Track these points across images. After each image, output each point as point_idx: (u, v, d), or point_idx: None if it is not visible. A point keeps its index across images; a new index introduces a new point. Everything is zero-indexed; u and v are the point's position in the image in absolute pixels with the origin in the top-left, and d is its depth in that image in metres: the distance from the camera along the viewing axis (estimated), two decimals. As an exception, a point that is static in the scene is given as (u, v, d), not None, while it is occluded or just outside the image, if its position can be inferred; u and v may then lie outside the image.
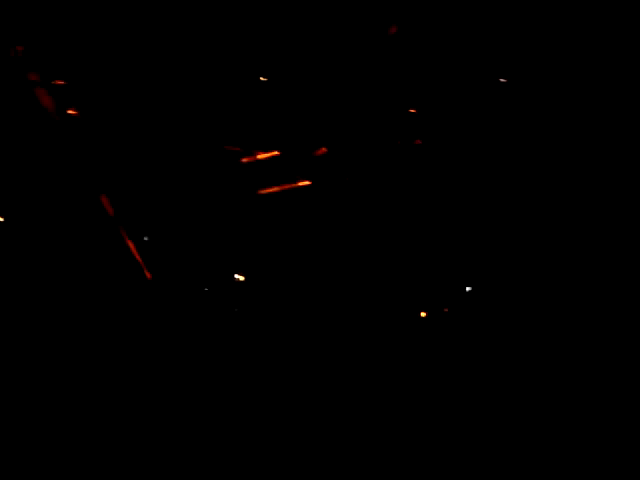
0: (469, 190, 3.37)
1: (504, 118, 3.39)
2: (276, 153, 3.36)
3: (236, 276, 3.26)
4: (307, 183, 3.36)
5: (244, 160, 3.33)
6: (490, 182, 3.37)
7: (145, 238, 3.20)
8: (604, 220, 3.29)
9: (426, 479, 3.06)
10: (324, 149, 3.36)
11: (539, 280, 3.29)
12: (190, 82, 3.33)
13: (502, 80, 3.38)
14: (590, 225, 3.30)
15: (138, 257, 3.16)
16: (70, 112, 3.21)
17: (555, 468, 3.06)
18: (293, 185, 3.34)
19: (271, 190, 3.28)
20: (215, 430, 3.10)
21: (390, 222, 3.35)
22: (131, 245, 3.17)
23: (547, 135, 3.37)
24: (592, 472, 3.03)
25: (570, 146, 3.35)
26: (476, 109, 3.39)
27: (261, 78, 3.37)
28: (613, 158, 3.31)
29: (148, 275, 3.17)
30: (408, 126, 3.40)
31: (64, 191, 3.18)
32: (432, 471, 3.08)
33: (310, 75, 3.38)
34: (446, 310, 3.28)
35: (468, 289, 3.32)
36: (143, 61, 3.27)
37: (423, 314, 3.28)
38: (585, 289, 3.26)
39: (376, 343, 3.25)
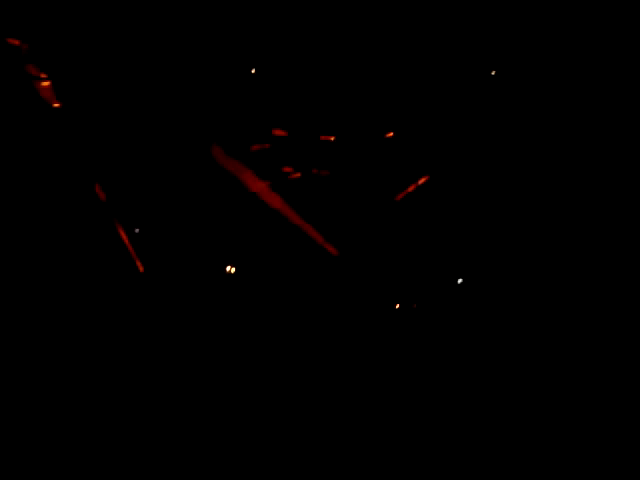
0: (463, 183, 3.37)
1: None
2: (266, 145, 3.36)
3: (228, 268, 3.26)
4: (297, 175, 3.36)
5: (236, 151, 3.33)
6: (484, 176, 3.37)
7: (136, 230, 3.19)
8: (602, 217, 3.30)
9: (425, 478, 3.07)
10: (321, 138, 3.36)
11: (532, 273, 3.30)
12: (183, 74, 3.32)
13: (494, 73, 3.39)
14: (587, 220, 3.31)
15: (131, 249, 3.16)
16: (56, 105, 3.20)
17: (554, 467, 3.06)
18: (286, 177, 3.34)
19: (266, 184, 3.28)
20: (208, 423, 3.10)
21: (382, 215, 3.36)
22: (124, 237, 3.16)
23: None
24: (592, 472, 3.04)
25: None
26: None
27: (252, 71, 3.36)
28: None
29: (140, 268, 3.16)
30: (404, 122, 3.41)
31: (58, 182, 3.17)
32: (430, 470, 3.08)
33: (306, 70, 3.38)
34: (439, 302, 3.29)
35: (460, 281, 3.32)
36: (137, 52, 3.26)
37: (414, 306, 3.29)
38: (580, 283, 3.27)
39: (369, 335, 3.25)
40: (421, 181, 3.35)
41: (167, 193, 3.26)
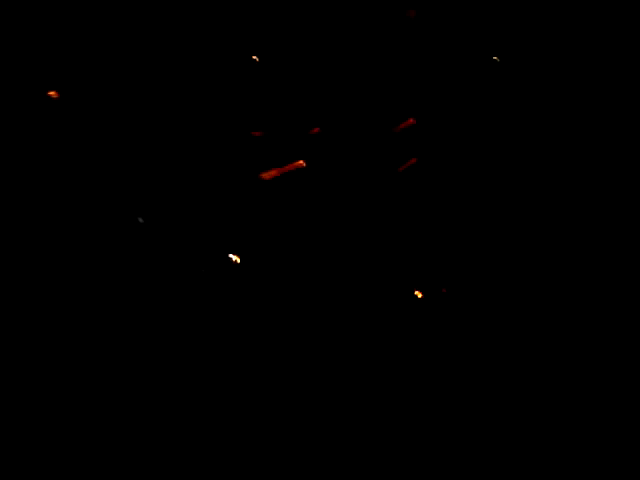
0: (467, 176, 3.38)
1: (504, 112, 3.42)
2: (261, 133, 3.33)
3: (231, 257, 3.23)
4: (301, 164, 3.33)
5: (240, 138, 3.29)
6: (488, 171, 3.39)
7: (140, 220, 3.13)
8: (602, 212, 3.35)
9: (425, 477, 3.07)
10: (317, 129, 3.33)
11: (533, 265, 3.33)
12: (188, 65, 3.28)
13: (497, 62, 3.40)
14: (587, 215, 3.35)
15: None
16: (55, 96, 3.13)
17: (553, 466, 3.09)
18: (289, 167, 3.31)
19: (271, 174, 3.25)
20: (210, 415, 3.06)
21: (386, 204, 3.35)
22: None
23: (547, 133, 3.40)
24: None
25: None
26: (476, 103, 3.41)
27: (254, 57, 3.33)
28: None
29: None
30: (405, 112, 3.40)
31: (64, 174, 3.10)
32: (429, 465, 3.08)
33: (309, 60, 3.36)
34: (444, 291, 3.29)
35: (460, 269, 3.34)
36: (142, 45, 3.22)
37: (419, 294, 3.29)
38: (581, 278, 3.31)
39: (372, 325, 3.25)
40: (411, 162, 3.34)
41: (172, 182, 3.21)
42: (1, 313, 3.00)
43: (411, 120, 3.33)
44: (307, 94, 3.36)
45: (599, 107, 3.37)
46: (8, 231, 3.06)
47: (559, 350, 3.22)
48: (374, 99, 3.39)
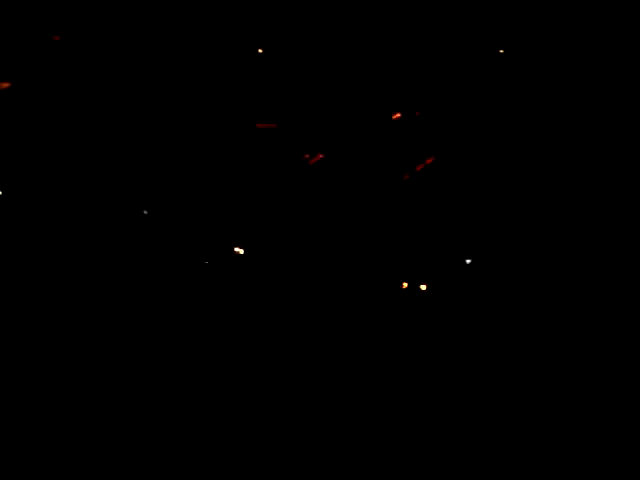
0: (471, 169, 3.37)
1: (509, 104, 3.39)
2: (273, 125, 3.36)
3: (236, 249, 3.27)
4: (306, 156, 3.36)
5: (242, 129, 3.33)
6: (491, 164, 3.37)
7: (145, 212, 3.19)
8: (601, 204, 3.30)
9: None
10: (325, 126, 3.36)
11: (536, 257, 3.30)
12: (196, 60, 3.32)
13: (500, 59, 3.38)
14: (588, 209, 3.31)
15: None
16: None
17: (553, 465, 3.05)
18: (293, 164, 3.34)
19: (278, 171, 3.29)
20: (215, 409, 3.10)
21: (392, 198, 3.36)
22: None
23: (546, 129, 3.37)
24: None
25: (569, 142, 3.34)
26: (482, 95, 3.39)
27: (259, 50, 3.36)
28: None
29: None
30: (410, 107, 3.40)
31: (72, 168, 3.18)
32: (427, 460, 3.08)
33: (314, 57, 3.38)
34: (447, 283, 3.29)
35: (468, 261, 3.32)
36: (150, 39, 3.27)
37: (423, 287, 3.29)
38: (581, 273, 3.27)
39: (377, 316, 3.25)
40: (428, 161, 3.35)
41: (178, 176, 3.26)
42: (2, 313, 3.08)
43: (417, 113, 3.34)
44: (313, 92, 3.39)
45: (600, 106, 3.32)
46: (11, 229, 3.14)
47: (557, 348, 3.19)
48: (378, 95, 3.40)
